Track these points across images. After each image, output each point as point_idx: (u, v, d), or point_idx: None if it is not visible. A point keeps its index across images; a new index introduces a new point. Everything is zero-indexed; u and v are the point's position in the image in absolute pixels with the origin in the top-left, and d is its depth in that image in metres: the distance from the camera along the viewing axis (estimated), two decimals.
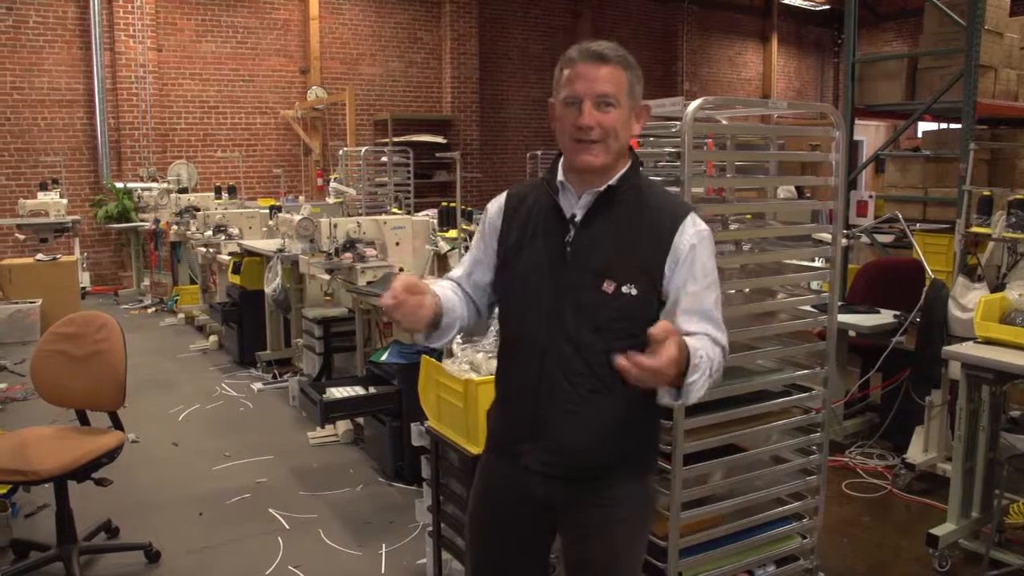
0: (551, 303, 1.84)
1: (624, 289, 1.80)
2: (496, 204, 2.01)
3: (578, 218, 1.86)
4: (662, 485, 2.53)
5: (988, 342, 3.45)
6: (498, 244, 1.98)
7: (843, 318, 4.45)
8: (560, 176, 1.90)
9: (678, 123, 2.56)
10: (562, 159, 1.91)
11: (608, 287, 1.80)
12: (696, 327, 1.80)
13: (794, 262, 3.11)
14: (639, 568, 2.01)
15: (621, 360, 1.56)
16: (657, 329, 1.58)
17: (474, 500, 2.08)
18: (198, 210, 8.25)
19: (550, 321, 1.84)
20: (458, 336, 2.24)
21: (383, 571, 3.51)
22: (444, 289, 1.98)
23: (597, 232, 1.84)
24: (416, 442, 3.37)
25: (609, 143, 1.81)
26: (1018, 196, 4.01)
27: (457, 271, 2.08)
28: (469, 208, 5.69)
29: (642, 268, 1.82)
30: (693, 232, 1.84)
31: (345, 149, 10.28)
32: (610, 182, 1.85)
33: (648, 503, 2.00)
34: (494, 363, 2.92)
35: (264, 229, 7.42)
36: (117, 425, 3.50)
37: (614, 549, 1.92)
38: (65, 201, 9.36)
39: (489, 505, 2.04)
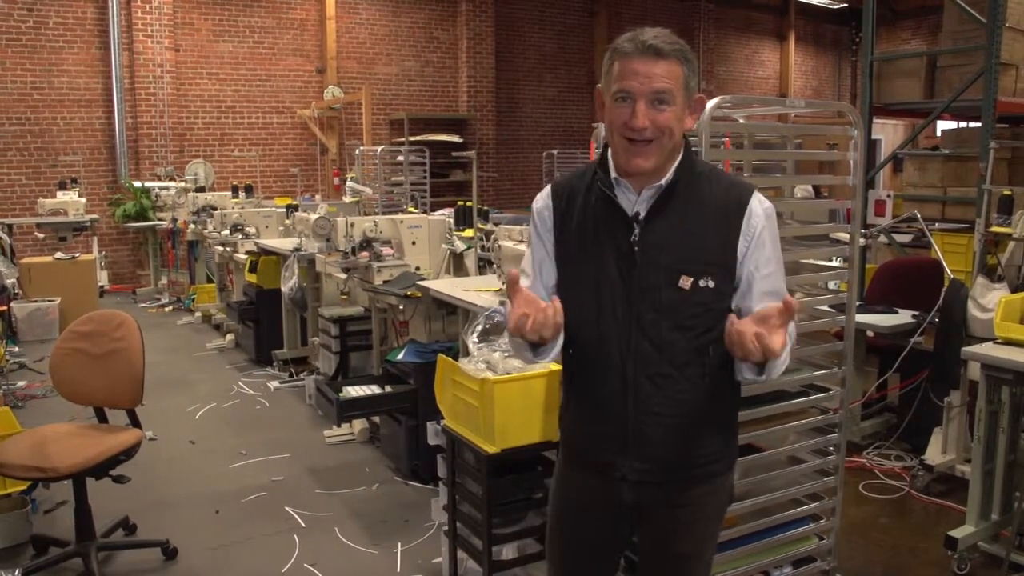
0: (627, 307, 1.78)
1: (701, 283, 1.75)
2: (542, 200, 1.92)
3: (642, 215, 1.78)
4: None
5: (1008, 343, 3.41)
6: (555, 238, 1.88)
7: (861, 318, 4.42)
8: (613, 172, 1.80)
9: None
10: (611, 151, 1.81)
11: (685, 283, 1.74)
12: None
13: (812, 262, 3.10)
14: (712, 557, 2.02)
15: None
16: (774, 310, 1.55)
17: (555, 513, 2.04)
18: (215, 209, 8.28)
19: (629, 325, 1.78)
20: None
21: (399, 570, 3.52)
22: None
23: (664, 228, 1.77)
24: (432, 441, 3.37)
25: (663, 142, 1.72)
26: None
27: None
28: (485, 207, 5.69)
29: (716, 258, 1.77)
30: (761, 212, 1.79)
31: (361, 148, 10.31)
32: (669, 176, 1.77)
33: (728, 497, 1.98)
34: (511, 362, 2.94)
35: (281, 228, 7.45)
36: (135, 423, 3.53)
37: (696, 544, 1.93)
38: (84, 200, 9.44)
39: (572, 520, 2.01)
